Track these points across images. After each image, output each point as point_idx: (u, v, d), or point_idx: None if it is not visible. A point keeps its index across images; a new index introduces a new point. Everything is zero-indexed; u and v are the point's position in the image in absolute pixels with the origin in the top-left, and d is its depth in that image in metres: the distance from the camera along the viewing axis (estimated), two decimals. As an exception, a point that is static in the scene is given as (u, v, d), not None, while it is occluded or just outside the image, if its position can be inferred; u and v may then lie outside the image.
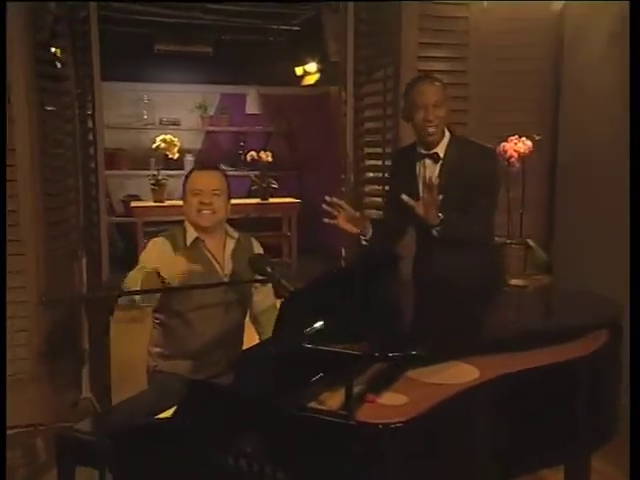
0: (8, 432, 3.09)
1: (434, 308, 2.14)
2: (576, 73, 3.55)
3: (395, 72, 3.57)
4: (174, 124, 7.39)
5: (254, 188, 6.59)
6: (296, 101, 7.56)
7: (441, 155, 2.59)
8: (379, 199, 3.69)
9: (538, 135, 3.10)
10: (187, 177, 2.45)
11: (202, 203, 2.35)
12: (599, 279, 3.18)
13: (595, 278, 3.24)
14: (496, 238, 3.19)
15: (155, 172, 6.21)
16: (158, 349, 2.43)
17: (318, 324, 1.59)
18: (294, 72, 7.32)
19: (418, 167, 2.63)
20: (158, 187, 6.08)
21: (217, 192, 2.38)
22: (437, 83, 2.58)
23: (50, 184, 3.25)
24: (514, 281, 3.06)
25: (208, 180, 2.40)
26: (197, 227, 2.40)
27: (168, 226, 2.72)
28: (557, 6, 3.61)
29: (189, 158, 7.31)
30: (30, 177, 3.09)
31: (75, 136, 3.42)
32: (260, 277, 2.14)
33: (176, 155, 6.27)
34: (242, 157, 7.14)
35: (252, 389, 1.47)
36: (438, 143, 2.59)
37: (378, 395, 1.51)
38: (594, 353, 1.80)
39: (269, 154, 6.37)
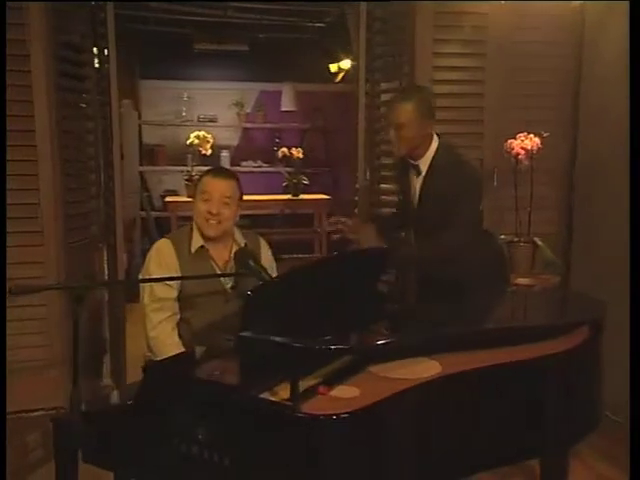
0: (31, 414, 3.30)
1: (416, 304, 2.14)
2: (596, 70, 3.46)
3: (410, 70, 3.56)
4: (211, 121, 7.52)
5: (285, 184, 6.66)
6: (332, 98, 7.58)
7: (423, 169, 2.58)
8: (394, 197, 3.69)
9: (546, 132, 3.07)
10: (201, 177, 2.41)
11: (210, 213, 2.31)
12: (615, 278, 3.11)
13: (611, 277, 3.17)
14: (503, 236, 3.18)
15: (189, 168, 6.35)
16: None
17: (282, 318, 1.63)
18: (329, 69, 7.35)
19: (410, 175, 2.66)
20: (191, 183, 6.21)
21: (227, 201, 2.32)
22: (407, 101, 2.52)
23: (72, 178, 3.40)
24: (520, 280, 3.03)
25: (220, 187, 2.33)
26: (202, 234, 2.37)
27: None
28: (576, 3, 3.53)
29: (225, 154, 7.46)
30: (51, 172, 3.22)
31: (97, 133, 3.56)
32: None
33: (209, 151, 6.40)
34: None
35: (205, 378, 1.52)
36: (421, 156, 2.57)
37: (331, 387, 1.54)
38: (569, 350, 1.79)
39: (300, 150, 6.44)
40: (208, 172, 2.43)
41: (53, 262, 3.30)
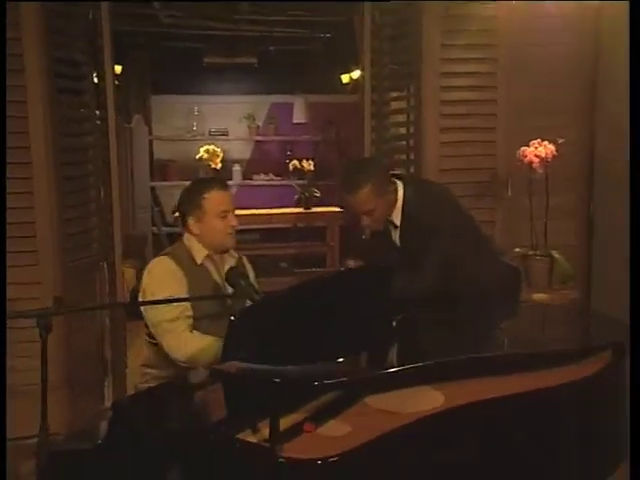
0: (26, 442, 3.17)
1: (417, 327, 1.98)
2: (613, 73, 3.28)
3: (417, 77, 3.43)
4: (223, 134, 7.46)
5: (297, 197, 6.54)
6: (344, 109, 7.44)
7: (397, 221, 2.46)
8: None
9: (561, 139, 2.90)
10: (202, 193, 2.30)
11: (232, 227, 2.32)
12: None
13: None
14: (518, 249, 3.00)
15: (198, 183, 6.25)
16: (150, 369, 2.37)
17: (269, 343, 1.49)
18: (340, 80, 7.24)
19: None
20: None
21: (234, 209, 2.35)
22: (363, 186, 2.35)
23: (69, 195, 3.29)
24: (537, 296, 2.86)
25: (230, 198, 2.37)
26: (217, 248, 2.34)
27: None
28: (595, 3, 3.35)
29: (237, 168, 7.37)
30: (46, 189, 3.12)
31: (96, 148, 3.46)
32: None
33: (219, 165, 6.31)
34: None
35: (179, 415, 1.38)
36: (392, 210, 2.45)
37: (319, 424, 1.39)
38: (589, 378, 1.61)
39: (311, 163, 6.32)
40: (211, 187, 2.33)
41: (50, 282, 3.19)
